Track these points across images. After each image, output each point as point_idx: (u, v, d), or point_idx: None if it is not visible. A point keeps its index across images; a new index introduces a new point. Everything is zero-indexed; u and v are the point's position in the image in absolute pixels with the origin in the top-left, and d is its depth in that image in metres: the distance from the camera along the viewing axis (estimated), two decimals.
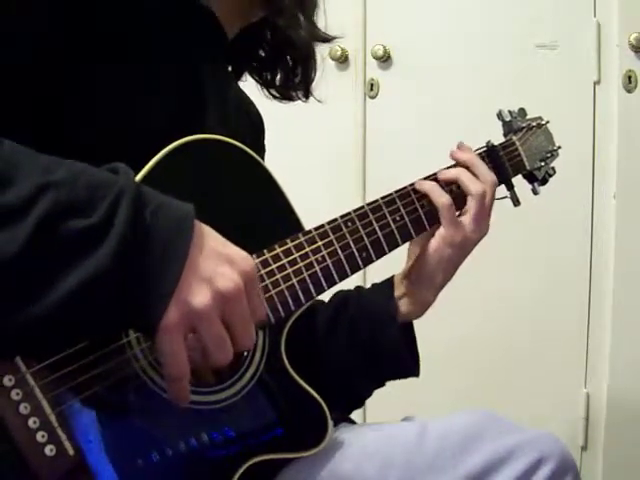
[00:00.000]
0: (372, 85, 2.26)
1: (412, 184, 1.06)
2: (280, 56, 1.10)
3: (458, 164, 1.11)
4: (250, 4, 1.02)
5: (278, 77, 1.12)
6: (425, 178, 1.08)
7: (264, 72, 1.12)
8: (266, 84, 1.13)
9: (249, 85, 1.15)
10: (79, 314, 0.69)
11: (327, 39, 1.09)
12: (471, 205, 1.08)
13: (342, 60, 2.26)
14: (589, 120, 2.05)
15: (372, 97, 2.27)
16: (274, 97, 1.14)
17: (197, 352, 0.75)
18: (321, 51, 1.12)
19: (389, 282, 1.15)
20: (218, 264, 0.74)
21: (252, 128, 1.14)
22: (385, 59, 2.23)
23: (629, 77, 1.99)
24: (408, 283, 1.12)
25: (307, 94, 1.13)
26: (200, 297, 0.72)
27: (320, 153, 2.30)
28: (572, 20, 2.05)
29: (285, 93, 1.13)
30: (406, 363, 1.14)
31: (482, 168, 1.11)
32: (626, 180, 2.02)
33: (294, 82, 1.11)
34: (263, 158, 1.14)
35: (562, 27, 2.06)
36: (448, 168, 1.11)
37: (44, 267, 0.67)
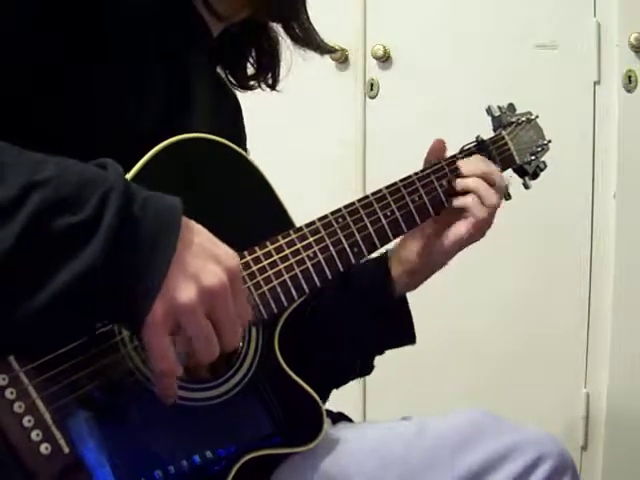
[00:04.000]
0: (372, 85, 2.26)
1: (403, 179, 1.07)
2: (249, 48, 1.11)
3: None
4: (243, 4, 1.02)
5: (240, 66, 1.12)
6: (425, 174, 1.09)
7: (231, 61, 1.12)
8: (236, 74, 1.13)
9: None
10: (69, 310, 0.69)
11: (332, 50, 1.09)
12: (484, 215, 1.09)
13: (342, 60, 2.26)
14: (589, 120, 2.04)
15: (372, 97, 2.27)
16: (232, 84, 1.13)
17: (183, 349, 0.75)
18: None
19: (383, 261, 1.15)
20: (205, 261, 0.75)
21: (233, 117, 1.14)
22: (385, 59, 2.23)
23: (629, 77, 1.99)
24: (410, 268, 1.13)
25: (274, 85, 1.13)
26: (186, 293, 0.73)
27: (320, 153, 2.30)
28: (572, 20, 2.05)
29: (245, 83, 1.13)
30: (404, 336, 1.18)
31: (498, 178, 1.13)
32: (626, 180, 2.02)
33: (260, 72, 1.11)
34: (245, 143, 1.16)
35: (562, 27, 2.06)
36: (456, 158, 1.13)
37: (34, 265, 0.67)
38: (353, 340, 1.14)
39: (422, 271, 1.14)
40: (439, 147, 1.14)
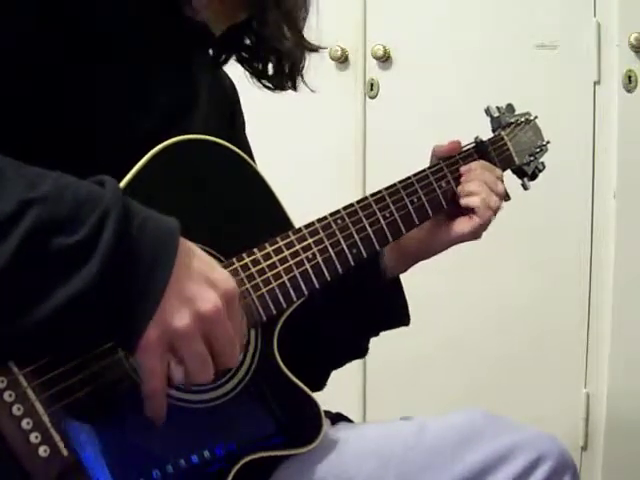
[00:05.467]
0: (372, 85, 2.26)
1: (402, 180, 1.07)
2: (265, 51, 1.10)
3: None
4: (235, 8, 1.02)
5: (269, 68, 1.11)
6: (424, 175, 1.09)
7: (254, 63, 1.11)
8: (257, 75, 1.12)
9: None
10: (62, 330, 0.69)
11: (313, 49, 1.07)
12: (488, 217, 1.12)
13: (342, 60, 2.26)
14: (589, 120, 2.04)
15: (372, 97, 2.27)
16: (267, 88, 1.12)
17: (179, 370, 0.75)
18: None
19: None
20: (200, 285, 0.74)
21: (231, 111, 1.14)
22: (385, 59, 2.23)
23: (629, 77, 1.99)
24: (403, 251, 1.15)
25: (294, 85, 1.12)
26: (180, 318, 0.72)
27: (320, 153, 2.30)
28: (572, 20, 2.05)
29: (278, 83, 1.11)
30: (397, 316, 1.18)
31: (500, 184, 1.15)
32: (626, 180, 2.02)
33: (282, 74, 1.10)
34: (244, 132, 1.16)
35: (562, 27, 2.06)
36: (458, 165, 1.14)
37: (29, 283, 0.67)
38: (345, 321, 1.15)
39: (414, 257, 1.17)
40: (454, 149, 1.15)
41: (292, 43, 1.02)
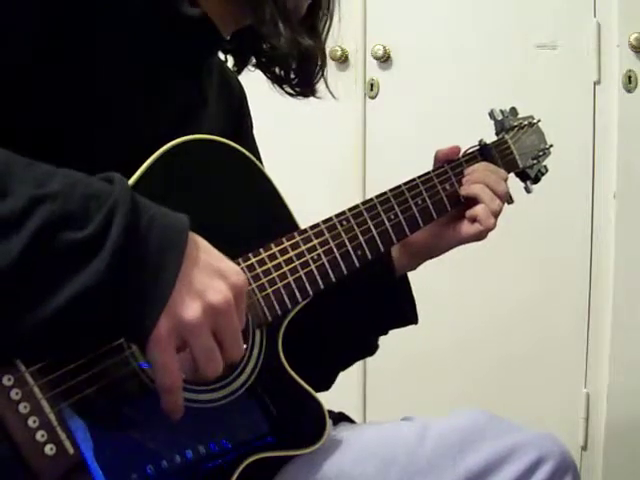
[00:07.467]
0: (372, 85, 2.26)
1: (407, 182, 1.07)
2: (282, 56, 1.09)
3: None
4: (239, 10, 1.01)
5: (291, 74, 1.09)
6: (428, 177, 1.09)
7: (273, 68, 1.08)
8: (277, 81, 1.09)
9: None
10: (72, 326, 0.69)
11: (309, 50, 1.02)
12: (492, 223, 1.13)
13: (342, 60, 2.26)
14: (589, 120, 2.05)
15: (372, 97, 2.27)
16: (288, 94, 1.10)
17: (188, 364, 0.75)
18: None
19: None
20: (210, 277, 0.74)
21: (237, 112, 1.13)
22: (385, 59, 2.23)
23: (629, 77, 1.99)
24: (411, 251, 1.16)
25: (307, 92, 1.10)
26: (191, 310, 0.72)
27: (320, 153, 2.30)
28: (572, 20, 2.05)
29: (299, 89, 1.08)
30: (405, 315, 1.19)
31: (503, 186, 1.15)
32: (626, 180, 2.02)
33: (301, 79, 1.08)
34: (252, 132, 1.16)
35: (562, 27, 2.07)
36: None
37: (38, 280, 0.67)
38: (355, 320, 1.15)
39: (419, 256, 1.18)
40: (454, 152, 1.15)
41: (286, 41, 1.01)
